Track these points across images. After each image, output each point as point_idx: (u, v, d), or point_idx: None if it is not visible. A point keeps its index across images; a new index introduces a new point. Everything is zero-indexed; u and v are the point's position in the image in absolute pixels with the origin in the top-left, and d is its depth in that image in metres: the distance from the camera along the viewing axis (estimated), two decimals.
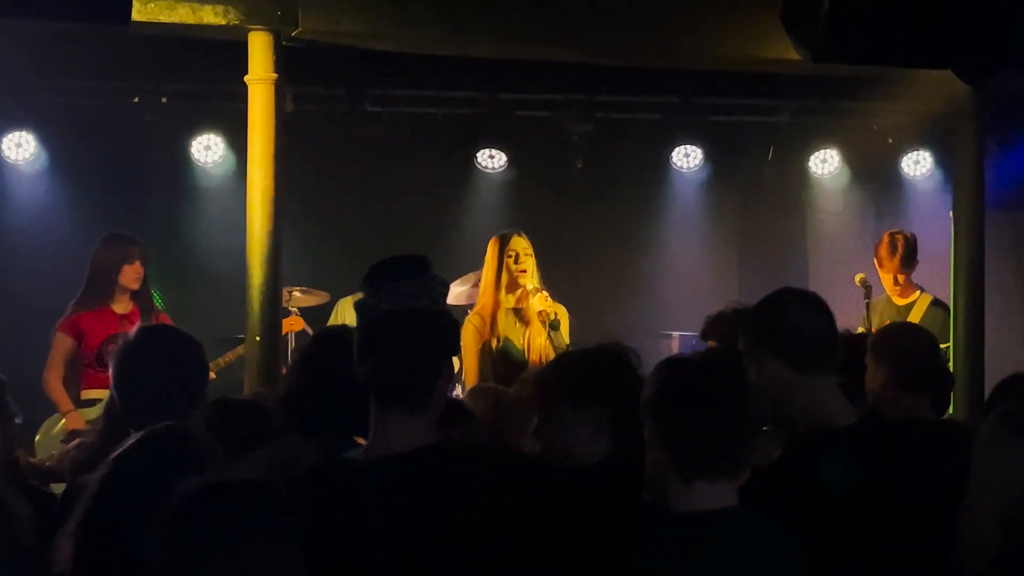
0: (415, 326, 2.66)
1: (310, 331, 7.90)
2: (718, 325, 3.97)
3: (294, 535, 2.30)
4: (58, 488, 3.91)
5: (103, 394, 4.20)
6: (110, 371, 3.43)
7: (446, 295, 2.78)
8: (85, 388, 6.40)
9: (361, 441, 3.68)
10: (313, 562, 2.37)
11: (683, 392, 2.59)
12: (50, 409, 6.53)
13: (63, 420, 6.40)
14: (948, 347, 6.79)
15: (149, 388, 3.31)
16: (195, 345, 3.52)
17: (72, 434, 5.26)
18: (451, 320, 2.78)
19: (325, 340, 3.83)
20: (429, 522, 2.56)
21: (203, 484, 2.33)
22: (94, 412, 5.46)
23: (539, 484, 2.72)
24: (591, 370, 3.09)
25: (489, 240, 6.45)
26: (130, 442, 2.78)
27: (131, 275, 6.47)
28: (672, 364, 2.73)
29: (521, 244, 6.25)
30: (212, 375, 3.77)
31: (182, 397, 3.33)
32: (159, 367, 3.35)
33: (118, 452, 2.77)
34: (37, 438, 6.49)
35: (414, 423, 2.66)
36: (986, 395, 6.56)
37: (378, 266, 2.78)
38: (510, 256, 6.22)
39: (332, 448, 3.56)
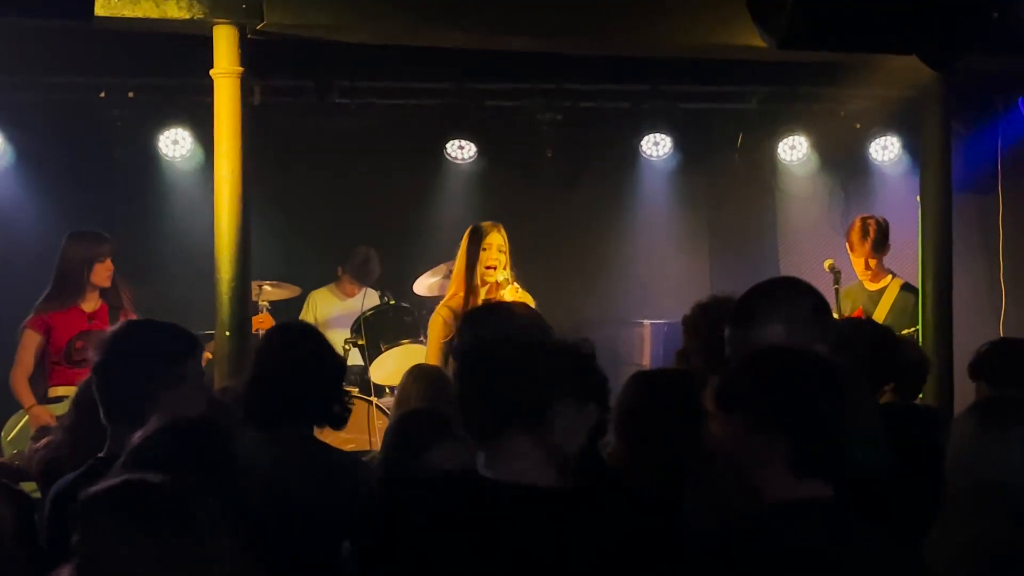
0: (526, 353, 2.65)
1: None
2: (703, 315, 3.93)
3: (213, 539, 2.29)
4: (28, 487, 3.91)
5: (71, 391, 4.20)
6: (92, 365, 3.41)
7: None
8: (53, 385, 6.37)
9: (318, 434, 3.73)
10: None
11: (816, 386, 2.49)
12: (18, 406, 6.49)
13: (27, 417, 6.37)
14: (917, 330, 6.84)
15: (137, 381, 3.30)
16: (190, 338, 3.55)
17: (41, 432, 5.23)
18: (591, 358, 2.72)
19: (280, 334, 3.86)
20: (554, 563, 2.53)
21: (117, 481, 2.33)
22: (62, 409, 5.44)
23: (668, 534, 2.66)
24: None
25: (461, 230, 6.44)
26: (150, 431, 2.80)
27: (102, 273, 6.44)
28: (785, 357, 2.62)
29: (497, 239, 6.23)
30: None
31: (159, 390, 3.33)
32: (149, 360, 3.34)
33: (139, 442, 2.78)
34: (8, 438, 6.46)
35: (534, 452, 2.62)
36: (955, 378, 6.66)
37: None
38: (485, 250, 6.21)
39: (288, 439, 3.59)
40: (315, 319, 8.37)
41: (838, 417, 2.47)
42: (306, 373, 3.66)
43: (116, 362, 3.31)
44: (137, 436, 2.82)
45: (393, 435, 3.40)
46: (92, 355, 3.38)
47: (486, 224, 6.33)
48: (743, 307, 2.99)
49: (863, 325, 4.75)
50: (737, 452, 2.52)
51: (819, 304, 3.00)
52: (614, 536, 2.55)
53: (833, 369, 2.55)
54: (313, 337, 3.83)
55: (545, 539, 2.54)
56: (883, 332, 4.32)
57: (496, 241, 6.22)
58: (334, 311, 8.38)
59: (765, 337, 2.89)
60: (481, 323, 3.75)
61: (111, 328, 3.52)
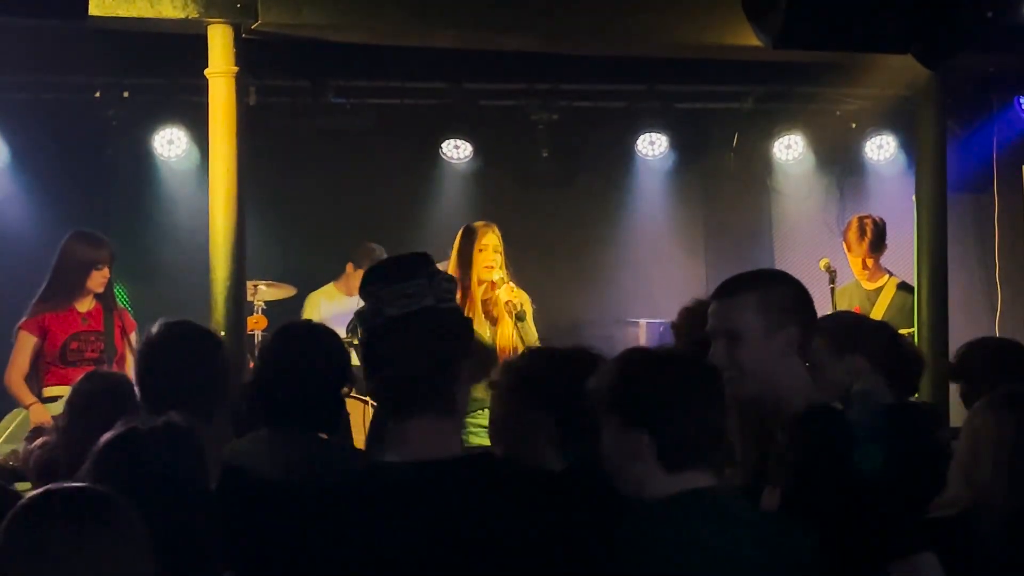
0: (423, 327, 2.50)
1: None
2: (689, 318, 3.94)
3: (133, 542, 2.27)
4: (22, 487, 3.90)
5: (65, 391, 4.19)
6: (134, 365, 3.43)
7: (454, 291, 2.61)
8: (47, 385, 6.37)
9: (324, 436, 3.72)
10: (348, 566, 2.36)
11: (679, 381, 2.59)
12: (10, 406, 6.48)
13: (19, 417, 6.36)
14: (912, 332, 6.83)
15: (176, 383, 3.31)
16: (219, 340, 3.66)
17: (36, 432, 5.22)
18: (463, 318, 2.62)
19: (284, 334, 3.84)
20: (466, 532, 2.44)
21: (42, 491, 2.33)
22: (56, 409, 5.44)
23: (568, 498, 2.63)
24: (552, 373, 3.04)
25: (456, 230, 6.43)
26: (115, 435, 2.80)
27: (99, 279, 6.44)
28: (650, 354, 2.73)
29: (492, 240, 6.21)
30: None
31: (208, 393, 3.36)
32: (187, 363, 3.39)
33: (103, 447, 2.79)
34: (1, 439, 6.45)
35: (438, 428, 2.51)
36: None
37: (374, 271, 2.60)
38: (481, 251, 6.20)
39: (298, 440, 3.58)
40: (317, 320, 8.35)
41: (695, 411, 2.55)
42: (316, 373, 3.64)
43: (153, 366, 3.40)
44: (103, 440, 2.82)
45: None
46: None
47: (479, 224, 6.31)
48: (728, 282, 3.04)
49: (865, 321, 4.75)
50: (613, 450, 2.60)
51: (801, 296, 3.03)
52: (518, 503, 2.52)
53: (690, 365, 2.64)
54: (322, 335, 3.81)
55: (459, 508, 2.47)
56: (885, 328, 4.35)
57: (492, 242, 6.22)
58: (334, 310, 8.36)
59: (742, 307, 2.93)
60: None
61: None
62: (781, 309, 2.94)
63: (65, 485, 2.37)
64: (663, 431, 2.55)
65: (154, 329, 3.51)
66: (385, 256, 8.33)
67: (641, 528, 2.52)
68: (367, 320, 2.55)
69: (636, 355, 2.73)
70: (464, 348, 2.57)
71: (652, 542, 2.49)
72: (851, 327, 4.14)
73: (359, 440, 6.75)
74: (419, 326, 2.50)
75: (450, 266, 6.30)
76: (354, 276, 8.42)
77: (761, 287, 2.98)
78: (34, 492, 2.32)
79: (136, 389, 3.44)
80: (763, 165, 9.22)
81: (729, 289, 3.01)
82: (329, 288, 8.57)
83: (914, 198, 7.05)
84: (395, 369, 2.51)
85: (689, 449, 2.56)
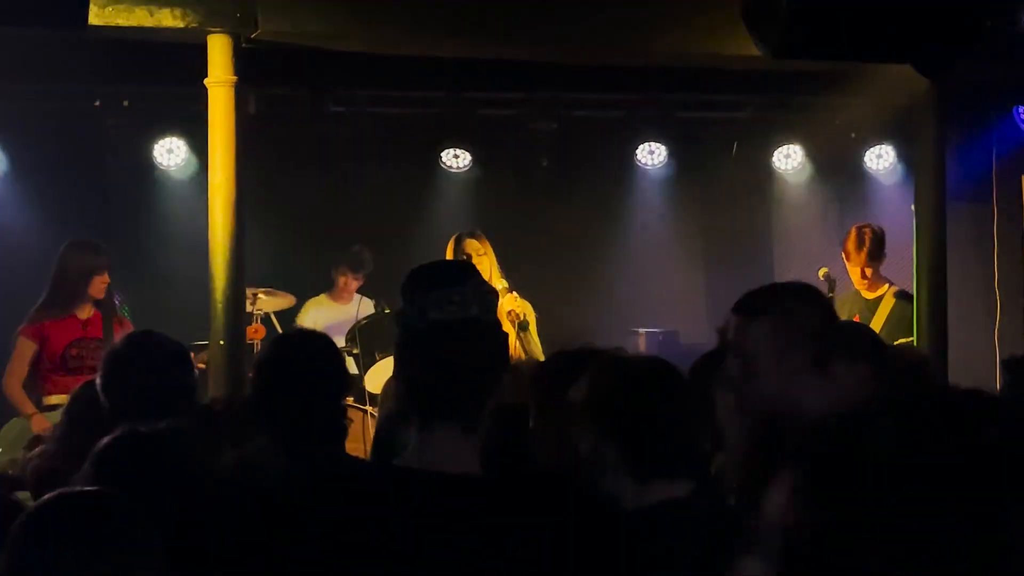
0: (467, 336, 2.40)
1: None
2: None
3: (146, 547, 2.25)
4: (22, 496, 3.89)
5: (65, 399, 4.19)
6: (98, 376, 3.45)
7: (496, 304, 2.52)
8: (47, 394, 6.37)
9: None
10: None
11: (644, 392, 2.59)
12: (9, 414, 6.48)
13: (19, 425, 6.36)
14: (911, 340, 6.83)
15: (139, 393, 3.33)
16: (183, 350, 3.65)
17: (35, 441, 5.22)
18: (503, 333, 2.54)
19: (281, 343, 3.83)
20: (469, 555, 2.35)
21: (55, 495, 2.30)
22: (57, 418, 5.43)
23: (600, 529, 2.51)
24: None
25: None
26: (112, 439, 2.81)
27: (99, 285, 6.45)
28: (619, 364, 2.73)
29: (473, 245, 6.23)
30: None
31: (172, 402, 3.37)
32: (150, 372, 3.43)
33: (101, 450, 2.79)
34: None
35: (463, 443, 2.40)
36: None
37: (418, 273, 2.49)
38: (463, 258, 6.21)
39: (302, 450, 3.57)
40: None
41: (665, 421, 2.55)
42: (315, 381, 3.63)
43: (116, 376, 3.41)
44: (101, 444, 2.82)
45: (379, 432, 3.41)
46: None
47: (464, 233, 6.34)
48: (747, 299, 3.01)
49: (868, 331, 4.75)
50: (588, 462, 2.60)
51: (821, 315, 2.97)
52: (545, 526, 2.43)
53: (663, 375, 2.63)
54: (319, 343, 3.80)
55: (476, 529, 2.37)
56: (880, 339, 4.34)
57: (471, 247, 6.24)
58: (328, 319, 8.35)
59: (756, 332, 2.92)
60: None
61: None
62: (798, 331, 2.88)
63: (75, 490, 2.36)
64: (632, 442, 2.55)
65: (118, 340, 3.54)
66: (369, 257, 8.36)
67: (614, 540, 2.50)
68: (409, 321, 2.46)
69: (609, 366, 2.71)
70: (501, 365, 2.49)
71: (624, 554, 2.48)
72: (857, 336, 4.13)
73: (357, 449, 6.77)
74: (463, 334, 2.41)
75: None
76: (340, 280, 8.42)
77: (778, 310, 2.91)
78: (45, 497, 2.29)
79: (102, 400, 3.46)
80: (762, 174, 9.23)
81: (747, 307, 2.94)
82: (320, 298, 8.57)
83: (913, 207, 7.06)
84: (431, 374, 2.42)
85: (660, 460, 2.55)
